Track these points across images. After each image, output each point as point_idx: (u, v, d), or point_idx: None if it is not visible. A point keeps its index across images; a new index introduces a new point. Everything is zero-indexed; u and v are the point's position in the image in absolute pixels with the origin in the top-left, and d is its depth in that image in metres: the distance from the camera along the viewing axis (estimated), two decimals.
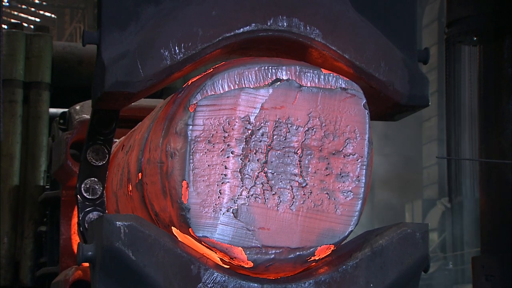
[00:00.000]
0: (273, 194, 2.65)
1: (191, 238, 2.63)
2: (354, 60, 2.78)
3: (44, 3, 36.39)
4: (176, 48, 2.68)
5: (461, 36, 8.69)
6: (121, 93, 2.68)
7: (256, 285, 2.65)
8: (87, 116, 4.44)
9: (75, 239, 4.62)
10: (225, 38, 2.70)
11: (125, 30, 2.71)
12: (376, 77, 2.82)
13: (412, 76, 2.88)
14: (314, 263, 2.74)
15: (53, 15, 38.32)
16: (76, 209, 3.72)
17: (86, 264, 3.82)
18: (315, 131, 2.69)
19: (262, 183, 2.64)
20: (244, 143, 2.64)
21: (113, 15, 2.71)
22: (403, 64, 2.88)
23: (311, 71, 2.69)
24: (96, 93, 2.78)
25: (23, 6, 36.14)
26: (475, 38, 8.69)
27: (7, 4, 34.51)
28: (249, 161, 2.64)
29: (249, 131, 2.64)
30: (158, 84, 2.70)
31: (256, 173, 2.64)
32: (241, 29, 2.72)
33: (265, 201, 2.64)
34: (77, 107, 4.64)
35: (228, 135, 2.62)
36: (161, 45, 2.67)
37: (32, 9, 36.92)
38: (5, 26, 7.91)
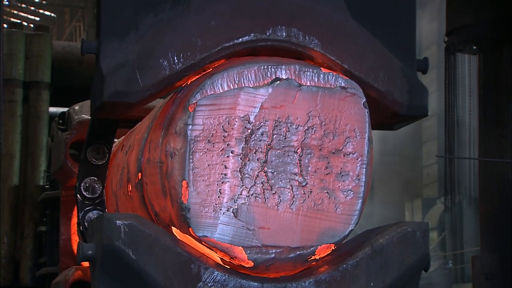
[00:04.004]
0: (273, 194, 2.65)
1: (191, 238, 2.63)
2: (353, 70, 2.79)
3: (44, 2, 36.40)
4: (175, 58, 2.68)
5: (460, 44, 8.72)
6: (120, 103, 2.68)
7: (256, 284, 2.65)
8: (86, 116, 4.44)
9: (75, 239, 4.62)
10: (224, 48, 2.70)
11: (124, 40, 2.71)
12: (375, 87, 2.83)
13: (411, 86, 2.89)
14: (314, 263, 2.74)
15: (52, 14, 38.34)
16: (75, 209, 3.72)
17: (86, 264, 3.82)
18: (315, 130, 2.69)
19: (262, 183, 2.64)
20: (244, 142, 2.63)
21: (112, 25, 2.71)
22: (402, 74, 2.88)
23: (310, 70, 2.69)
24: (94, 102, 2.78)
25: (23, 5, 36.15)
26: (474, 47, 8.72)
27: (7, 3, 34.52)
28: (249, 160, 2.64)
29: (249, 131, 2.64)
30: (157, 93, 2.70)
31: (256, 173, 2.64)
32: (240, 39, 2.72)
33: (265, 200, 2.64)
34: (76, 107, 4.64)
35: (228, 134, 2.62)
36: (160, 55, 2.67)
37: (32, 8, 36.93)
38: (5, 25, 7.91)
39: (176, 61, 2.68)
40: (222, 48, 2.70)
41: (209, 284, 2.60)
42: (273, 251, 2.63)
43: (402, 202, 21.42)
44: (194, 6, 2.74)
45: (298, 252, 2.66)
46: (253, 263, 2.62)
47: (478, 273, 8.44)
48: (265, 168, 2.65)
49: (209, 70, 2.71)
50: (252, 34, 2.73)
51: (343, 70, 2.78)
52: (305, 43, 2.76)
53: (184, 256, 2.60)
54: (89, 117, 3.80)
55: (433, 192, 21.02)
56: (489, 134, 8.61)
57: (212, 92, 2.62)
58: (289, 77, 2.67)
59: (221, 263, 2.66)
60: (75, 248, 4.58)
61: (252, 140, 2.64)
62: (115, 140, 3.70)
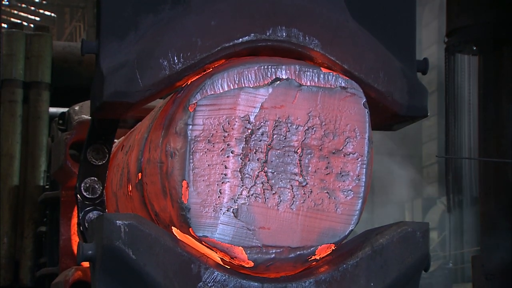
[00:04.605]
0: (273, 194, 2.65)
1: (191, 238, 2.63)
2: (353, 70, 2.79)
3: (44, 1, 36.40)
4: (175, 58, 2.68)
5: (460, 45, 8.73)
6: (120, 103, 2.68)
7: (256, 284, 2.65)
8: (86, 117, 4.44)
9: (75, 240, 4.62)
10: (224, 48, 2.71)
11: (124, 40, 2.71)
12: (375, 88, 2.83)
13: (411, 87, 2.89)
14: (314, 263, 2.74)
15: (53, 14, 38.34)
16: (75, 209, 3.72)
17: (86, 265, 3.82)
18: (315, 130, 2.69)
19: (262, 183, 2.64)
20: (244, 142, 2.63)
21: (112, 25, 2.72)
22: (402, 74, 2.88)
23: (310, 70, 2.69)
24: (94, 102, 2.78)
25: (23, 5, 36.16)
26: (474, 48, 8.72)
27: (7, 3, 34.53)
28: (249, 160, 2.64)
29: (249, 131, 2.64)
30: (157, 94, 2.70)
31: (256, 173, 2.64)
32: (240, 39, 2.72)
33: (265, 200, 2.64)
34: (76, 108, 4.64)
35: (228, 134, 2.62)
36: (160, 55, 2.67)
37: (32, 8, 36.93)
38: (5, 25, 7.92)
39: (176, 61, 2.68)
40: (222, 48, 2.70)
41: (209, 284, 2.60)
42: (273, 251, 2.63)
43: (402, 202, 21.40)
44: (194, 6, 2.74)
45: (298, 252, 2.66)
46: (253, 263, 2.62)
47: (478, 273, 8.44)
48: (265, 168, 2.65)
49: (209, 70, 2.71)
50: (252, 34, 2.73)
51: (343, 70, 2.78)
52: (305, 44, 2.76)
53: (184, 256, 2.60)
54: (89, 118, 3.80)
55: (433, 192, 21.00)
56: (489, 134, 8.62)
57: (212, 92, 2.62)
58: (289, 77, 2.67)
59: (221, 263, 2.66)
60: (75, 248, 4.58)
61: (252, 140, 2.64)
62: (115, 140, 3.70)
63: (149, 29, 2.73)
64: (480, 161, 8.75)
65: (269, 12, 2.75)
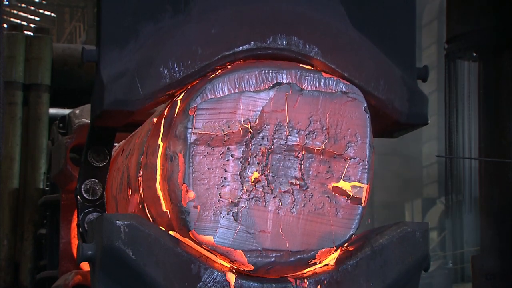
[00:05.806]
0: (273, 197, 2.65)
1: (191, 241, 2.63)
2: (353, 78, 2.78)
3: (44, 1, 36.41)
4: (176, 66, 2.68)
5: (460, 52, 8.73)
6: (120, 111, 2.68)
7: (256, 284, 2.65)
8: (87, 121, 4.44)
9: (75, 243, 4.61)
10: (224, 56, 2.70)
11: (124, 48, 2.71)
12: (375, 96, 2.83)
13: (412, 94, 2.89)
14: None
15: (53, 14, 38.35)
16: (75, 212, 3.71)
17: (86, 268, 3.81)
18: (316, 135, 2.68)
19: (262, 186, 2.64)
20: (244, 146, 2.63)
21: (112, 33, 2.72)
22: (403, 82, 2.88)
23: (311, 74, 2.69)
24: (95, 110, 2.78)
25: (23, 5, 36.16)
26: (474, 54, 8.73)
27: (7, 3, 34.51)
28: (249, 164, 2.64)
29: (250, 134, 2.64)
30: (158, 102, 2.70)
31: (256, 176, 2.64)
32: (240, 48, 2.72)
33: (265, 204, 2.64)
34: (77, 112, 4.64)
35: (228, 138, 2.62)
36: (161, 63, 2.67)
37: (32, 8, 36.93)
38: (4, 25, 7.90)
39: (177, 69, 2.68)
40: (222, 56, 2.70)
41: (209, 284, 2.60)
42: (273, 254, 2.63)
43: (402, 202, 21.42)
44: (194, 15, 2.74)
45: (298, 256, 2.65)
46: (253, 267, 2.62)
47: (478, 273, 8.45)
48: (266, 172, 2.65)
49: (209, 74, 2.71)
50: (252, 43, 2.73)
51: (343, 78, 2.77)
52: (305, 52, 2.76)
53: (184, 256, 2.60)
54: (90, 121, 3.80)
55: (433, 192, 21.01)
56: (489, 135, 8.62)
57: (213, 96, 2.62)
58: (290, 81, 2.67)
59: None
60: (75, 251, 4.57)
61: (253, 144, 2.64)
62: (116, 144, 3.70)
63: (149, 37, 2.72)
64: (480, 161, 8.75)
65: (269, 20, 2.75)
